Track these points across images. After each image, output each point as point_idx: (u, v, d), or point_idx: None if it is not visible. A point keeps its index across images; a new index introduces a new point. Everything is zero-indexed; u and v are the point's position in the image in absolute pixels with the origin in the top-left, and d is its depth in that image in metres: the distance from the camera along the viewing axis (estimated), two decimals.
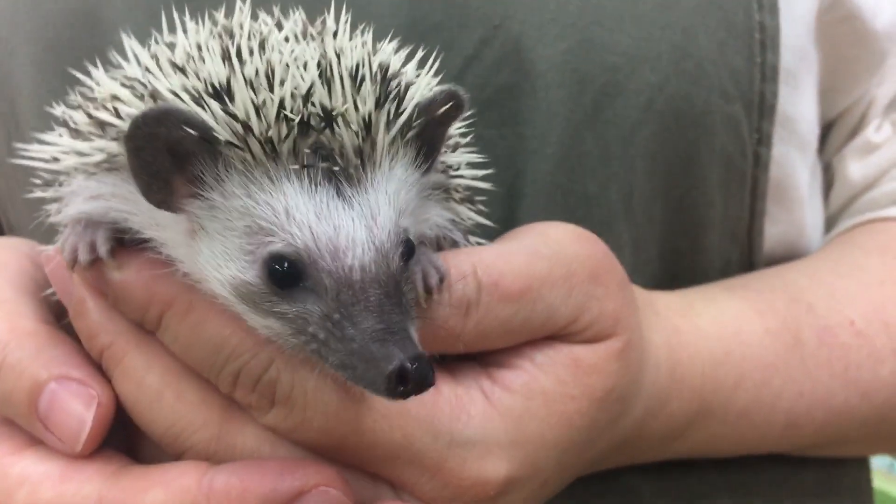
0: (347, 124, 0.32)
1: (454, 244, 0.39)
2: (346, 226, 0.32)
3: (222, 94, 0.34)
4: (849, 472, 0.57)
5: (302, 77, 0.33)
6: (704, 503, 0.51)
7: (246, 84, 0.34)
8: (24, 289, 0.40)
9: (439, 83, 0.39)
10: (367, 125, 0.33)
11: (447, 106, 0.35)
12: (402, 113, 0.34)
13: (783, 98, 0.50)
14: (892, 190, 0.56)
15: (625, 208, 0.48)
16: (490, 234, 0.43)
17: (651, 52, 0.47)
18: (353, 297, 0.31)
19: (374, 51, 0.37)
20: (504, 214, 0.47)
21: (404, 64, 0.37)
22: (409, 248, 0.33)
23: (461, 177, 0.41)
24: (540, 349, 0.39)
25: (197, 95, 0.34)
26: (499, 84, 0.47)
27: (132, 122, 0.32)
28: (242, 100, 0.33)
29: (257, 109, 0.33)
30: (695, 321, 0.46)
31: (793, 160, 0.53)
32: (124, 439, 0.40)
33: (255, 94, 0.33)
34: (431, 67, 0.38)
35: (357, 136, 0.32)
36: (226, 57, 0.35)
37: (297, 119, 0.32)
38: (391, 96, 0.34)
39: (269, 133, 0.33)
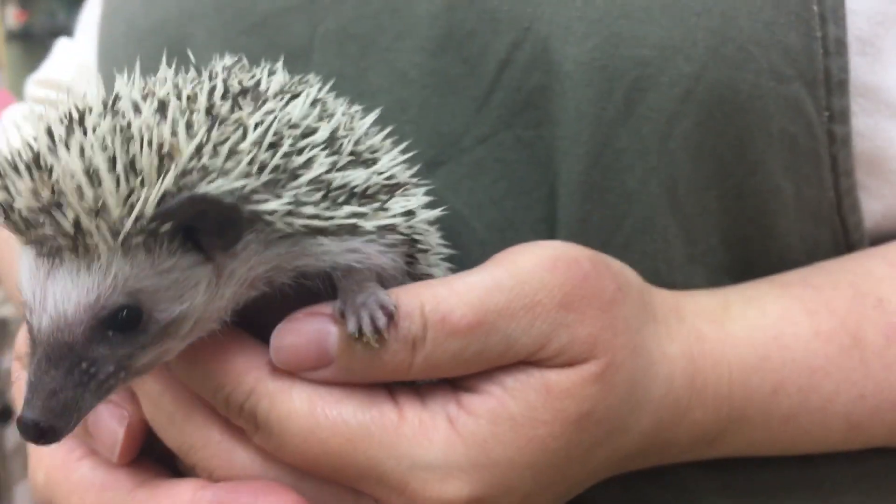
0: (58, 223, 0.34)
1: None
2: (39, 293, 0.35)
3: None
4: None
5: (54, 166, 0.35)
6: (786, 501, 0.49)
7: (24, 164, 0.36)
8: None
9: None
10: (77, 225, 0.34)
11: (192, 214, 0.35)
12: (133, 216, 0.34)
13: (860, 69, 0.47)
14: None
15: (669, 202, 0.46)
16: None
17: (685, 41, 0.44)
18: (31, 349, 0.36)
19: (182, 129, 0.36)
20: (545, 214, 0.47)
21: (198, 151, 0.36)
22: (121, 320, 0.35)
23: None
24: (511, 374, 0.39)
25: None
26: (532, 86, 0.46)
27: None
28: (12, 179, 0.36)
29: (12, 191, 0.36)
30: (726, 326, 0.44)
31: (885, 129, 0.48)
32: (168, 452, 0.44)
33: (20, 177, 0.35)
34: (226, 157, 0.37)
35: (68, 236, 0.34)
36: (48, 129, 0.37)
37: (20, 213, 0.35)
38: (127, 198, 0.34)
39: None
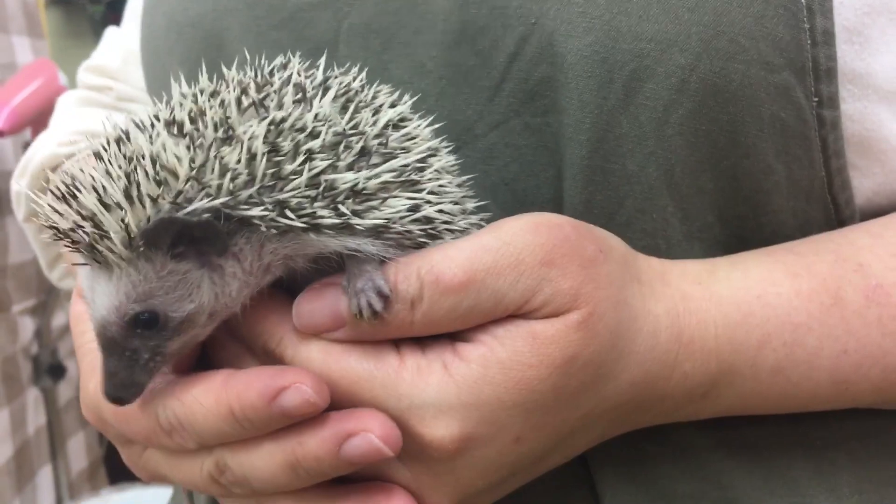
0: (85, 234, 0.41)
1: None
2: (90, 295, 0.43)
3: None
4: None
5: (93, 184, 0.41)
6: (778, 460, 0.52)
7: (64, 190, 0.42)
8: None
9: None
10: (99, 239, 0.41)
11: (173, 232, 0.41)
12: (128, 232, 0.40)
13: (848, 57, 0.50)
14: None
15: (667, 183, 0.49)
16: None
17: (679, 35, 0.47)
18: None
19: (188, 152, 0.42)
20: (553, 195, 0.51)
21: (194, 170, 0.41)
22: (142, 320, 0.42)
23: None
24: (501, 325, 0.43)
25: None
26: (538, 77, 0.50)
27: None
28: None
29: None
30: (713, 287, 0.48)
31: (874, 113, 0.51)
32: None
33: (60, 202, 0.42)
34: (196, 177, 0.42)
35: (94, 248, 0.41)
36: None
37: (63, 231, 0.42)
38: (123, 221, 0.40)
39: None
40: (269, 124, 0.42)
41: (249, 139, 0.41)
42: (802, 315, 0.48)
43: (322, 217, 0.42)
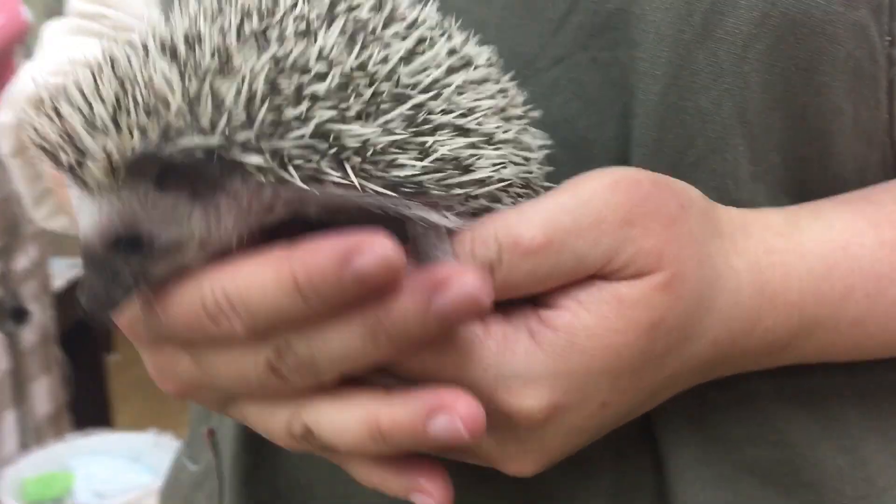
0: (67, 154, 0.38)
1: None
2: (78, 216, 0.40)
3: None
4: None
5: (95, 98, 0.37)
6: (831, 405, 0.52)
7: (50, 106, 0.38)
8: None
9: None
10: (80, 163, 0.37)
11: (156, 168, 0.37)
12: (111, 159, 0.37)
13: None
14: None
15: (740, 121, 0.48)
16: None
17: None
18: None
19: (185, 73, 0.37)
20: (617, 133, 0.49)
21: (187, 102, 0.36)
22: (125, 243, 0.39)
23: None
24: (585, 289, 0.41)
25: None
26: (610, 9, 0.47)
27: None
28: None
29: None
30: (796, 238, 0.46)
31: None
32: None
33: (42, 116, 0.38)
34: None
35: (75, 171, 0.38)
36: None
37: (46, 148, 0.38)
38: (107, 147, 0.36)
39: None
40: (270, 59, 0.37)
41: (249, 74, 0.36)
42: (885, 266, 0.47)
43: (328, 174, 0.37)
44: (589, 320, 0.40)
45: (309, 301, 0.36)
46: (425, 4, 0.43)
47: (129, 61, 0.37)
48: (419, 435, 0.38)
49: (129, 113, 0.36)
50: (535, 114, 0.46)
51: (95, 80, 0.37)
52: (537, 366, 0.40)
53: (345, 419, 0.39)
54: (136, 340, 0.45)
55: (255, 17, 0.39)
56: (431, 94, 0.39)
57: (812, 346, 0.47)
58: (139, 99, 0.36)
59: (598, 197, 0.41)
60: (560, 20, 0.48)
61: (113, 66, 0.38)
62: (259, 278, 0.37)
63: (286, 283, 0.36)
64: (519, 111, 0.45)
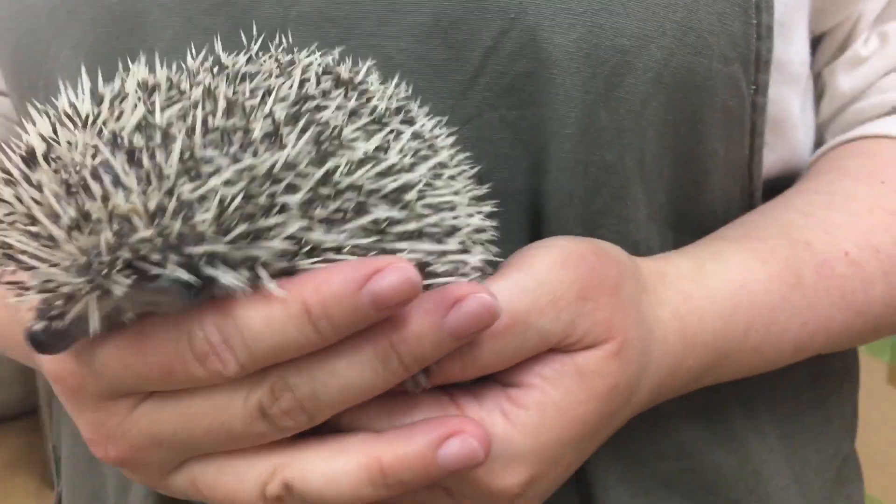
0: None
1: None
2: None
3: None
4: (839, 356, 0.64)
5: None
6: (721, 415, 0.58)
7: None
8: None
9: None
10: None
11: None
12: None
13: (778, 48, 0.54)
14: (878, 102, 0.61)
15: (639, 171, 0.51)
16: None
17: (656, 31, 0.49)
18: None
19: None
20: (527, 187, 0.51)
21: (152, 218, 0.34)
22: None
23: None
24: (547, 365, 0.43)
25: None
26: (518, 71, 0.49)
27: None
28: None
29: None
30: (705, 283, 0.51)
31: (786, 95, 0.58)
32: None
33: None
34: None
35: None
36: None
37: None
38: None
39: None
40: (245, 169, 0.35)
41: (222, 185, 0.34)
42: (776, 297, 0.52)
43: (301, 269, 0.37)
44: (556, 395, 0.43)
45: (320, 330, 0.36)
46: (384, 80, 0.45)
47: (75, 165, 0.34)
48: (428, 468, 0.38)
49: (89, 233, 0.33)
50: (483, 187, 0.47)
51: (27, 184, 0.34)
52: (515, 446, 0.42)
53: (338, 466, 0.39)
54: (73, 396, 0.41)
55: (219, 111, 0.36)
56: (398, 204, 0.39)
57: (718, 375, 0.53)
58: (99, 216, 0.33)
59: (553, 275, 0.43)
60: (468, 82, 0.49)
61: (57, 169, 0.34)
62: (263, 311, 0.36)
63: (296, 313, 0.35)
64: (469, 185, 0.46)
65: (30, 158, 0.35)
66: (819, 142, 0.65)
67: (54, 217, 0.33)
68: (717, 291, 0.51)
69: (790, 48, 0.57)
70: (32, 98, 0.51)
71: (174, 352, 0.37)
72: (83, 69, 0.39)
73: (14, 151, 0.35)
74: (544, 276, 0.43)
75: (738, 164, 0.56)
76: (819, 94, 0.64)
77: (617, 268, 0.46)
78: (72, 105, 0.37)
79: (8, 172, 0.35)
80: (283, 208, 0.36)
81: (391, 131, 0.41)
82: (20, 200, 0.33)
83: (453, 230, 0.42)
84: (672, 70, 0.50)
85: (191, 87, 0.38)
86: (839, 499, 0.64)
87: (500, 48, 0.48)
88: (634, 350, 0.45)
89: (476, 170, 0.47)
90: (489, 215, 0.46)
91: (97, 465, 0.61)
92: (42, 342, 0.37)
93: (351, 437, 0.40)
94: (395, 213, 0.39)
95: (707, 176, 0.55)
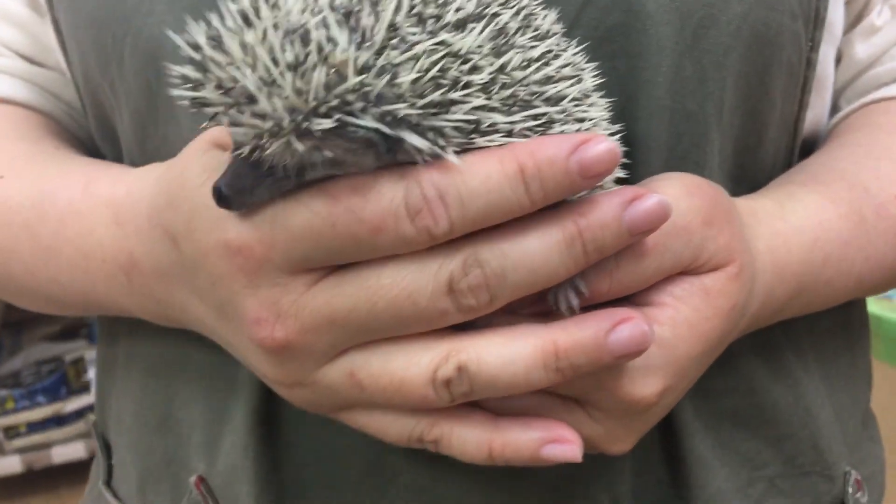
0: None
1: None
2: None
3: None
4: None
5: None
6: (784, 352, 0.62)
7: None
8: None
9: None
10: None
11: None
12: None
13: (830, 7, 0.59)
14: (893, 67, 0.66)
15: (717, 120, 0.55)
16: None
17: None
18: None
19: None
20: (619, 132, 0.53)
21: (362, 73, 0.37)
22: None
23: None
24: (677, 284, 0.46)
25: None
26: (610, 24, 0.52)
27: None
28: None
29: None
30: (790, 220, 0.55)
31: (829, 55, 0.63)
32: None
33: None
34: None
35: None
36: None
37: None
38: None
39: None
40: (440, 43, 0.38)
41: (424, 54, 0.38)
42: (846, 234, 0.56)
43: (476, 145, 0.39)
44: (686, 312, 0.46)
45: (531, 191, 0.38)
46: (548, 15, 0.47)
47: (302, 13, 0.37)
48: (600, 350, 0.40)
49: (303, 76, 0.35)
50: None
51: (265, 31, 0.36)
52: (653, 358, 0.45)
53: (515, 349, 0.40)
54: (255, 268, 0.40)
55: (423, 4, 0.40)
56: (553, 106, 0.43)
57: (796, 307, 0.56)
58: (315, 62, 0.35)
59: (682, 203, 0.46)
60: (566, 34, 0.52)
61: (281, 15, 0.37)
62: (482, 167, 0.38)
63: (511, 171, 0.37)
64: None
65: (246, 15, 0.37)
66: (834, 108, 0.69)
67: (273, 59, 0.35)
68: (800, 228, 0.55)
69: (836, 9, 0.61)
70: (120, 54, 0.53)
71: (388, 206, 0.37)
72: None
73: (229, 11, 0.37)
74: (675, 203, 0.45)
75: (788, 118, 0.60)
76: (836, 61, 0.68)
77: (728, 199, 0.50)
78: None
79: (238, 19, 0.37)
80: (468, 85, 0.38)
81: (550, 51, 0.45)
82: (244, 47, 0.36)
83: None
84: (750, 24, 0.53)
85: None
86: (866, 440, 0.69)
87: (593, 2, 0.51)
88: (748, 274, 0.49)
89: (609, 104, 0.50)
90: None
91: (174, 424, 0.59)
92: (226, 196, 0.38)
93: (523, 324, 0.41)
94: (554, 114, 0.42)
95: (766, 129, 0.58)
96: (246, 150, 0.37)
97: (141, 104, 0.54)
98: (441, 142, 0.38)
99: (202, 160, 0.42)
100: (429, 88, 0.37)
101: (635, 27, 0.52)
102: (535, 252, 0.39)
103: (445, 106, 0.38)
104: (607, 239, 0.40)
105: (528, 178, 0.38)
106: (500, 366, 0.40)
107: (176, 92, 0.38)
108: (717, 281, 0.47)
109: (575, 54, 0.47)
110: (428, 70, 0.37)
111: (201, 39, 0.37)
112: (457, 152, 0.38)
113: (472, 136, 0.39)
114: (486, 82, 0.39)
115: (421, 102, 0.37)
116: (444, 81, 0.38)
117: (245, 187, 0.38)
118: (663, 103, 0.53)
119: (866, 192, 0.58)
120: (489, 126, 0.39)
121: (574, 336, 0.40)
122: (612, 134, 0.47)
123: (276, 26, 0.36)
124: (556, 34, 0.46)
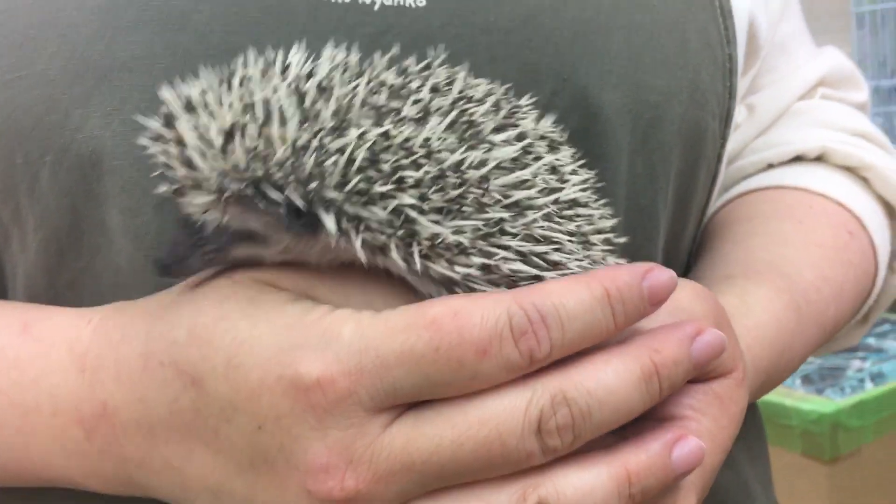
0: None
1: None
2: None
3: None
4: None
5: None
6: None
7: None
8: None
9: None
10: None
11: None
12: None
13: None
14: (756, 160, 0.72)
15: (664, 213, 0.59)
16: None
17: (677, 88, 0.57)
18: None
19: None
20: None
21: (294, 152, 0.38)
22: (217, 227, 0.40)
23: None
24: (691, 395, 0.45)
25: None
26: (571, 127, 0.52)
27: None
28: None
29: None
30: (753, 317, 0.57)
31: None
32: None
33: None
34: None
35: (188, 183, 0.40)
36: None
37: None
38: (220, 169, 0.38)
39: None
40: (381, 134, 0.38)
41: (355, 141, 0.37)
42: (792, 325, 0.59)
43: (390, 252, 0.38)
44: (708, 424, 0.45)
45: (616, 314, 0.38)
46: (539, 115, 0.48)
47: (255, 84, 0.39)
48: (667, 469, 0.40)
49: (240, 142, 0.37)
50: (622, 239, 0.50)
51: (220, 94, 0.38)
52: (692, 474, 0.44)
53: (589, 478, 0.38)
54: (334, 406, 0.36)
55: (383, 93, 0.40)
56: (513, 213, 0.40)
57: (757, 397, 0.60)
58: (253, 133, 0.37)
59: (695, 307, 0.46)
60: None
61: (240, 82, 0.39)
62: (573, 290, 0.38)
63: (599, 293, 0.38)
64: (600, 237, 0.45)
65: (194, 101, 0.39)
66: None
67: (220, 127, 0.37)
68: (764, 324, 0.57)
69: (739, 110, 0.67)
70: (34, 175, 0.47)
71: (493, 328, 0.36)
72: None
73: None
74: (688, 307, 0.44)
75: (701, 208, 0.65)
76: None
77: (719, 302, 0.50)
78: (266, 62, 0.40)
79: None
80: (401, 181, 0.37)
81: (532, 153, 0.43)
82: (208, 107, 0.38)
83: (553, 265, 0.41)
84: (687, 123, 0.57)
85: (369, 79, 0.42)
86: None
87: (552, 106, 0.52)
88: (749, 377, 0.50)
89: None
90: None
91: None
92: (165, 265, 0.39)
93: (590, 452, 0.39)
94: (508, 220, 0.40)
95: (689, 218, 0.63)
96: (184, 217, 0.39)
97: (61, 230, 0.47)
98: (364, 233, 0.37)
99: (248, 293, 0.39)
100: (355, 177, 0.37)
101: (595, 130, 0.54)
102: (618, 389, 0.38)
103: (373, 197, 0.37)
104: (679, 375, 0.40)
105: (614, 302, 0.38)
106: (580, 497, 0.38)
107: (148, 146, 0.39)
108: (727, 388, 0.46)
109: (572, 157, 0.46)
110: (354, 158, 0.37)
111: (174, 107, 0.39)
112: (371, 251, 0.38)
113: (393, 236, 0.38)
114: (428, 179, 0.38)
115: (345, 188, 0.37)
116: (373, 173, 0.37)
117: (181, 255, 0.38)
118: (621, 202, 0.55)
119: (791, 280, 0.61)
120: (413, 231, 0.38)
121: (641, 458, 0.39)
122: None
123: (240, 99, 0.38)
124: (545, 134, 0.45)
